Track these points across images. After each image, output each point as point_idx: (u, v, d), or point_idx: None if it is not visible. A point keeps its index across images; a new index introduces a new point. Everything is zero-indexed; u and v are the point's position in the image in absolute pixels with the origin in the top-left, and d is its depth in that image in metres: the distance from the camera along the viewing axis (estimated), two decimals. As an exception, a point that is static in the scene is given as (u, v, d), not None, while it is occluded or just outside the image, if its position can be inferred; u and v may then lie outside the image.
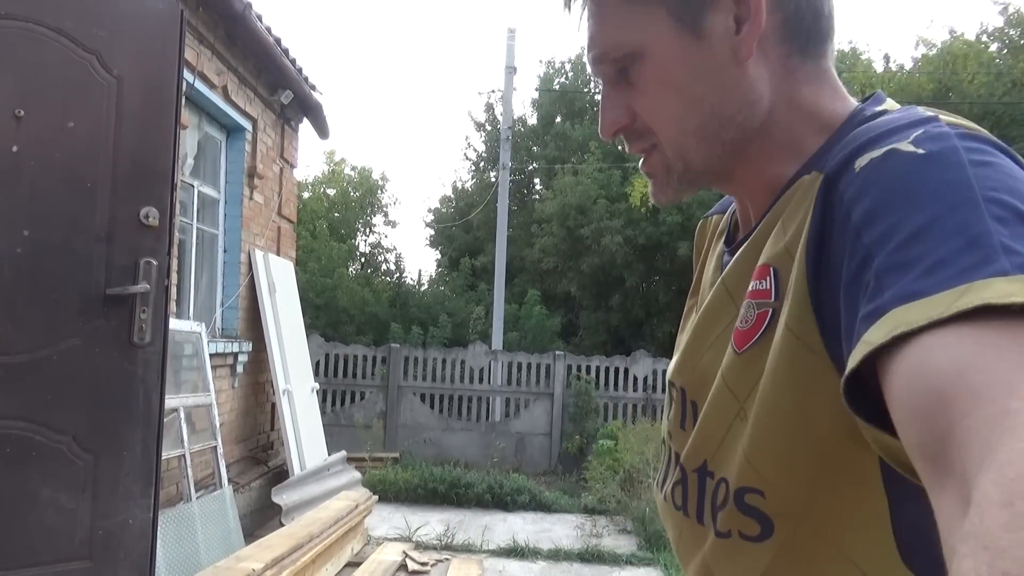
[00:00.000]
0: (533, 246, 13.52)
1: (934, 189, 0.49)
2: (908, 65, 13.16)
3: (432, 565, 4.71)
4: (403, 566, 4.62)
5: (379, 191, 18.07)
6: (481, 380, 9.58)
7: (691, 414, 0.73)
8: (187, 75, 4.12)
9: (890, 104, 0.66)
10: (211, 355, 4.81)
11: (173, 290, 4.21)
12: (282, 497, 5.25)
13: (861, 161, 0.55)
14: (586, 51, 0.70)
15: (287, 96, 6.07)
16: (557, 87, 16.55)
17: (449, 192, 18.53)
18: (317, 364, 8.85)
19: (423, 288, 15.25)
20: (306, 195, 16.27)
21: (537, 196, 16.03)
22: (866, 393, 0.47)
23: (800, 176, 0.63)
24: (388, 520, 6.00)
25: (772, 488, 0.61)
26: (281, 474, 5.85)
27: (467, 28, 46.72)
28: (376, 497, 5.40)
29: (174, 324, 4.06)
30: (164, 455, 3.11)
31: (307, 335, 7.06)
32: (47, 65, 2.54)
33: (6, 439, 2.47)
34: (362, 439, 8.50)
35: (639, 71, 0.68)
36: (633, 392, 9.39)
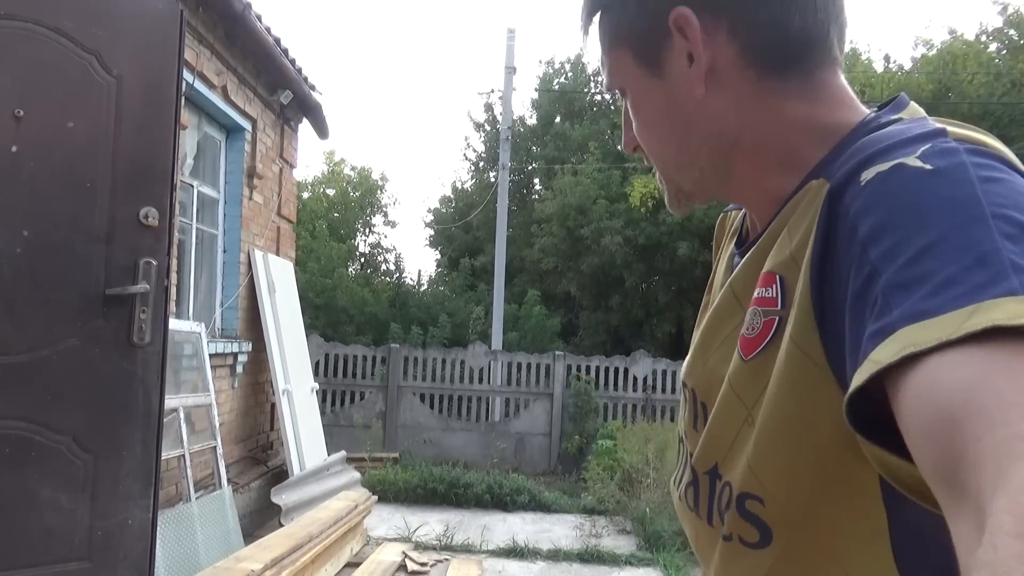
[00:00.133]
0: (533, 246, 13.52)
1: (942, 206, 0.49)
2: (908, 65, 13.16)
3: (431, 565, 4.71)
4: (402, 566, 4.62)
5: (379, 191, 18.08)
6: (481, 380, 9.58)
7: (702, 415, 0.73)
8: (187, 75, 4.12)
9: (912, 110, 0.65)
10: (211, 355, 4.81)
11: (173, 290, 4.21)
12: (281, 497, 5.25)
13: (867, 174, 0.54)
14: None
15: (287, 96, 6.07)
16: (556, 87, 16.55)
17: (449, 192, 18.54)
18: (317, 364, 8.84)
19: (423, 288, 15.25)
20: (306, 195, 16.27)
21: (537, 196, 16.04)
22: (869, 410, 0.46)
23: (807, 182, 0.63)
24: (387, 520, 6.00)
25: (771, 496, 0.61)
26: (280, 474, 5.85)
27: (467, 28, 46.74)
28: (375, 497, 5.39)
29: (174, 324, 4.06)
30: (164, 455, 3.11)
31: (307, 335, 7.06)
32: (46, 65, 2.54)
33: (6, 439, 2.46)
34: (362, 439, 8.50)
35: (628, 105, 0.75)
36: (633, 392, 9.39)
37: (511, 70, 12.75)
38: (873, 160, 0.55)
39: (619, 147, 14.06)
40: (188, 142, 5.03)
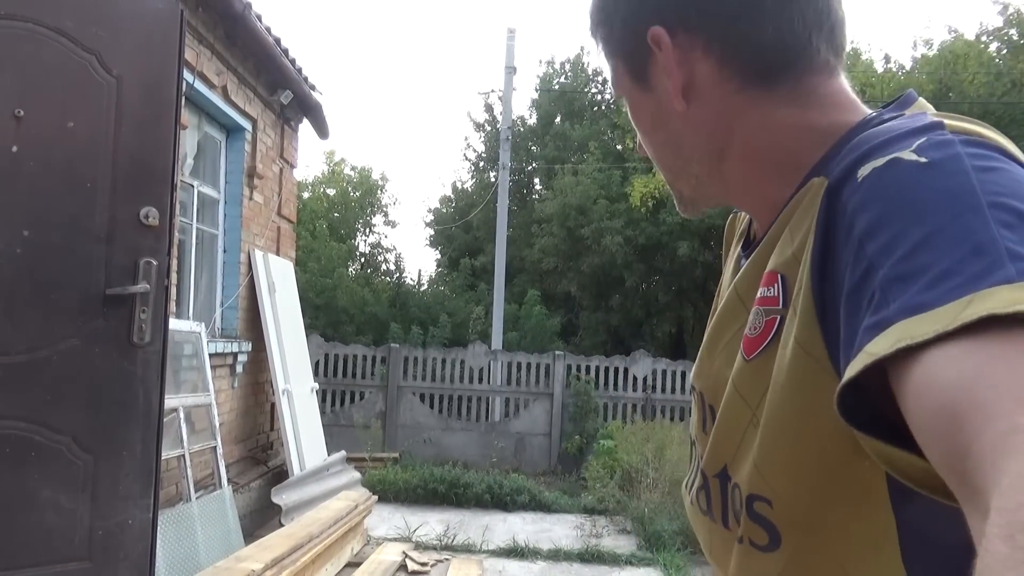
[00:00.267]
0: (533, 246, 13.52)
1: (937, 198, 0.49)
2: (908, 65, 13.17)
3: (432, 565, 4.71)
4: (403, 566, 4.62)
5: (379, 191, 18.09)
6: (481, 380, 9.58)
7: (710, 418, 0.73)
8: (187, 75, 4.12)
9: (919, 106, 0.65)
10: (211, 355, 4.81)
11: (173, 290, 4.21)
12: (282, 497, 5.25)
13: (864, 170, 0.54)
14: None
15: (287, 96, 6.07)
16: (556, 87, 16.55)
17: (449, 192, 18.55)
18: (317, 364, 8.84)
19: (423, 288, 15.26)
20: (306, 195, 16.28)
21: (537, 196, 16.04)
22: (869, 405, 0.46)
23: (808, 181, 0.63)
24: (388, 520, 6.00)
25: (778, 497, 0.60)
26: (281, 474, 5.85)
27: (467, 28, 46.74)
28: (376, 497, 5.39)
29: (174, 324, 4.06)
30: (164, 455, 3.11)
31: (307, 335, 7.06)
32: (47, 65, 2.54)
33: (6, 439, 2.46)
34: (362, 439, 8.50)
35: (628, 113, 0.78)
36: (633, 392, 9.38)
37: (511, 70, 12.75)
38: (869, 156, 0.55)
39: (619, 147, 14.08)
40: (188, 142, 5.03)
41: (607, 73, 0.80)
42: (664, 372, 9.42)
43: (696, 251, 11.40)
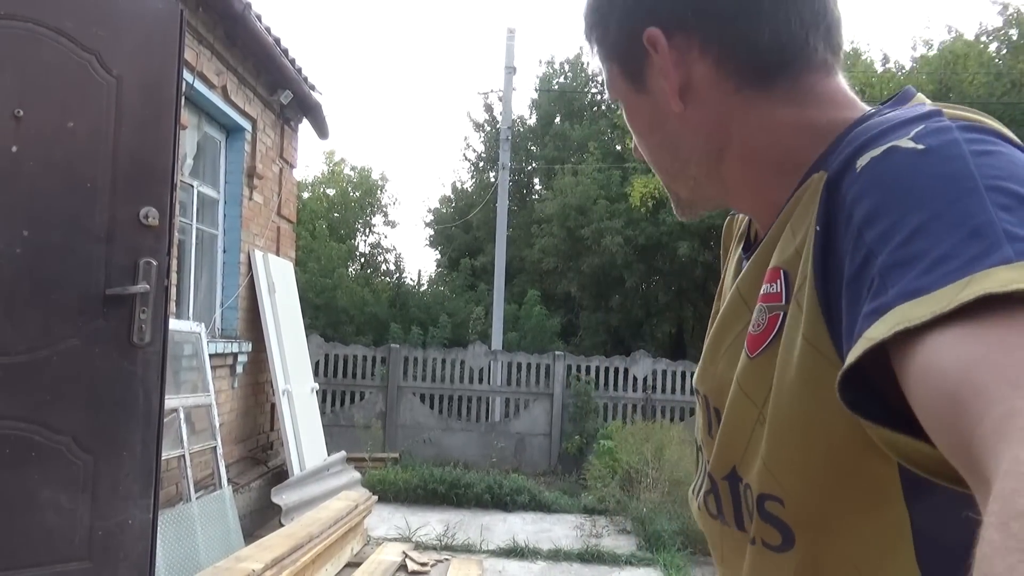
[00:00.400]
0: (533, 246, 13.52)
1: (935, 184, 0.49)
2: (908, 65, 13.17)
3: (432, 565, 4.71)
4: (403, 566, 4.62)
5: (379, 191, 18.09)
6: (481, 380, 9.58)
7: (715, 421, 0.72)
8: (186, 75, 4.12)
9: (919, 100, 0.64)
10: (211, 355, 4.81)
11: (173, 290, 4.21)
12: (282, 497, 5.25)
13: (862, 160, 0.54)
14: None
15: (286, 96, 6.07)
16: (556, 87, 16.55)
17: (449, 192, 18.55)
18: (317, 364, 8.84)
19: (423, 288, 15.25)
20: (306, 195, 16.27)
21: (536, 196, 16.04)
22: (872, 393, 0.46)
23: (809, 176, 0.63)
24: (388, 520, 6.00)
25: (789, 495, 0.60)
26: (281, 474, 5.85)
27: (467, 28, 46.75)
28: (376, 497, 5.39)
29: (174, 324, 4.06)
30: (164, 455, 3.11)
31: (307, 335, 7.06)
32: (47, 65, 2.54)
33: (6, 439, 2.46)
34: (362, 439, 8.50)
35: (624, 115, 0.78)
36: (633, 392, 9.38)
37: (511, 70, 12.75)
38: (867, 146, 0.55)
39: (619, 147, 14.08)
40: (188, 142, 5.03)
41: (602, 75, 0.79)
42: (664, 372, 9.42)
43: (696, 251, 11.40)
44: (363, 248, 17.52)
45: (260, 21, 5.07)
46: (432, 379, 9.49)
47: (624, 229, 12.03)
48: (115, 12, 2.67)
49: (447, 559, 4.92)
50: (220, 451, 4.65)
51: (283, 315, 6.01)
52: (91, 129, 2.61)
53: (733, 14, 0.66)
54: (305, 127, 7.00)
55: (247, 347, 5.66)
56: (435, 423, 9.31)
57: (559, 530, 6.03)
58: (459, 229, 16.37)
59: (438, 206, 18.10)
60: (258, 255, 5.87)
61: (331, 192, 17.92)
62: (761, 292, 0.65)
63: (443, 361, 9.54)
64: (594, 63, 0.79)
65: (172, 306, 3.94)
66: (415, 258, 49.89)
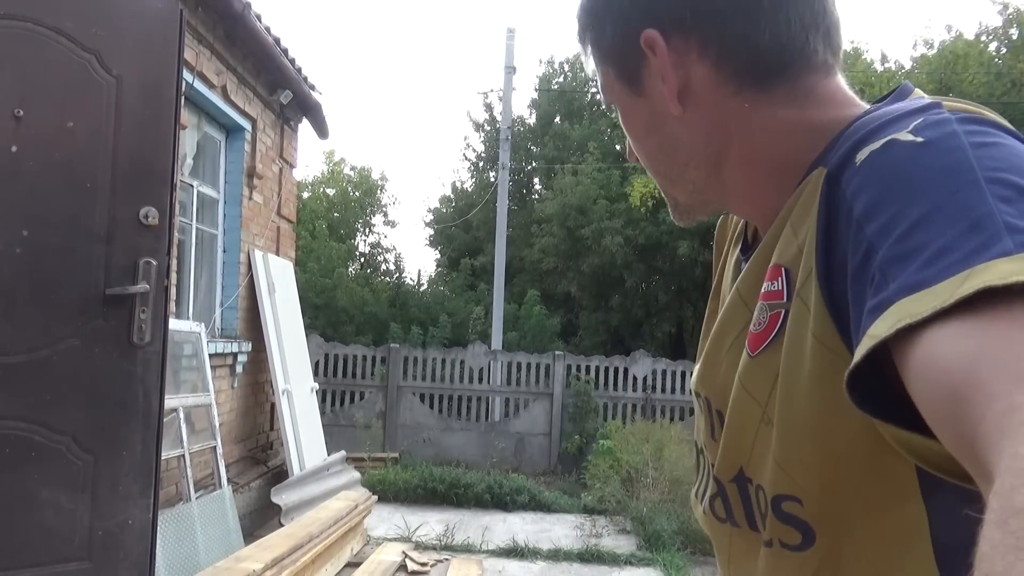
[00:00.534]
0: (533, 246, 13.52)
1: (934, 176, 0.48)
2: (908, 65, 13.17)
3: (432, 565, 4.71)
4: (403, 566, 4.62)
5: (378, 191, 18.08)
6: (480, 380, 9.58)
7: (719, 424, 0.71)
8: (186, 75, 4.12)
9: (917, 95, 0.64)
10: (210, 355, 4.81)
11: (172, 290, 4.20)
12: (281, 497, 5.25)
13: (861, 154, 0.54)
14: None
15: (286, 96, 6.06)
16: (556, 87, 16.54)
17: (448, 192, 18.53)
18: (316, 364, 8.84)
19: (423, 288, 15.25)
20: (305, 195, 16.27)
21: (536, 196, 16.04)
22: (883, 390, 0.45)
23: (808, 173, 0.62)
24: (387, 520, 6.00)
25: (808, 494, 0.59)
26: (280, 474, 5.85)
27: (467, 28, 46.74)
28: (375, 497, 5.39)
29: (173, 324, 4.06)
30: (163, 455, 3.11)
31: (307, 335, 7.06)
32: (46, 65, 2.54)
33: (5, 439, 2.46)
34: (361, 439, 8.50)
35: (619, 119, 0.76)
36: (632, 392, 9.39)
37: (511, 70, 12.75)
38: (867, 140, 0.55)
39: (618, 147, 14.08)
40: (188, 142, 5.03)
41: (596, 79, 0.77)
42: (664, 372, 9.42)
43: (696, 251, 11.39)
44: (363, 248, 17.53)
45: (260, 21, 5.07)
46: (432, 379, 9.49)
47: (624, 229, 12.03)
48: (115, 12, 2.67)
49: (447, 559, 4.92)
50: (220, 451, 4.65)
51: (283, 315, 6.01)
52: (91, 129, 2.61)
53: (732, 15, 0.65)
54: (305, 127, 7.00)
55: (247, 347, 5.66)
56: (435, 423, 9.31)
57: (559, 530, 6.03)
58: (459, 229, 16.36)
59: (438, 206, 18.10)
60: (258, 255, 5.87)
61: (331, 192, 17.91)
62: (762, 290, 0.64)
63: (443, 361, 9.54)
64: (587, 66, 0.78)
65: (172, 306, 3.94)
66: (415, 258, 49.94)
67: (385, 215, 18.21)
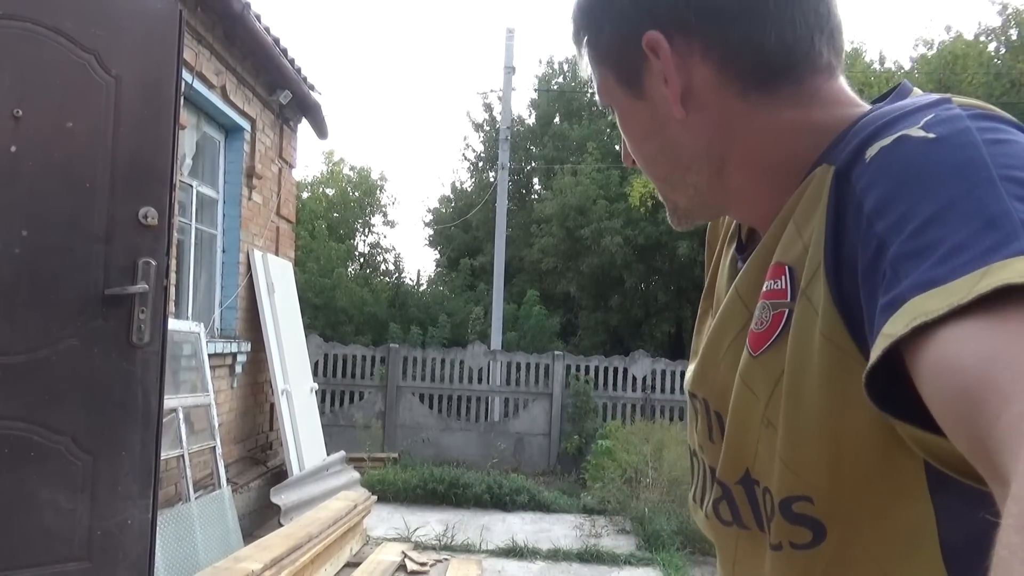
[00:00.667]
0: (532, 246, 13.52)
1: (947, 172, 0.48)
2: (907, 65, 13.18)
3: (431, 565, 4.71)
4: (402, 566, 4.62)
5: (378, 191, 18.06)
6: (480, 380, 9.58)
7: (717, 425, 0.71)
8: (185, 75, 4.12)
9: (916, 94, 0.63)
10: (210, 355, 4.81)
11: (172, 290, 4.20)
12: (281, 497, 5.25)
13: (871, 150, 0.53)
14: None
15: (286, 96, 6.06)
16: (555, 87, 16.54)
17: (448, 192, 18.53)
18: (316, 364, 8.84)
19: (422, 288, 15.25)
20: (305, 195, 16.26)
21: (536, 196, 16.04)
22: (898, 387, 0.45)
23: (812, 170, 0.61)
24: (387, 520, 5.99)
25: (819, 493, 0.58)
26: (280, 474, 5.85)
27: (466, 28, 46.74)
28: (375, 497, 5.39)
29: (173, 324, 4.06)
30: (163, 455, 3.11)
31: (306, 335, 7.05)
32: (45, 65, 2.54)
33: (5, 440, 2.46)
34: (361, 439, 8.50)
35: (618, 122, 0.74)
36: (632, 392, 9.39)
37: (510, 70, 12.75)
38: (876, 136, 0.54)
39: (617, 147, 14.08)
40: (187, 142, 5.03)
41: (592, 81, 0.76)
42: (663, 372, 9.42)
43: (695, 251, 11.39)
44: (362, 248, 17.51)
45: (259, 21, 5.06)
46: (431, 379, 9.49)
47: (623, 229, 12.03)
48: (114, 12, 2.67)
49: (446, 559, 4.92)
50: (219, 451, 4.65)
51: (282, 315, 6.01)
52: (90, 129, 2.60)
53: (738, 16, 0.64)
54: (304, 127, 7.00)
55: (246, 347, 5.66)
56: (434, 423, 9.31)
57: (558, 530, 6.03)
58: (458, 229, 16.36)
59: (437, 206, 18.09)
60: (257, 255, 5.87)
61: (330, 192, 17.89)
62: (764, 289, 0.63)
63: (442, 361, 9.54)
64: (583, 67, 0.76)
65: (171, 306, 3.94)
66: (414, 258, 49.92)
67: (384, 215, 18.20)
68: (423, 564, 4.65)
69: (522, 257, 13.94)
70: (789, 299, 0.60)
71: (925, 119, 0.52)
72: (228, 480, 4.76)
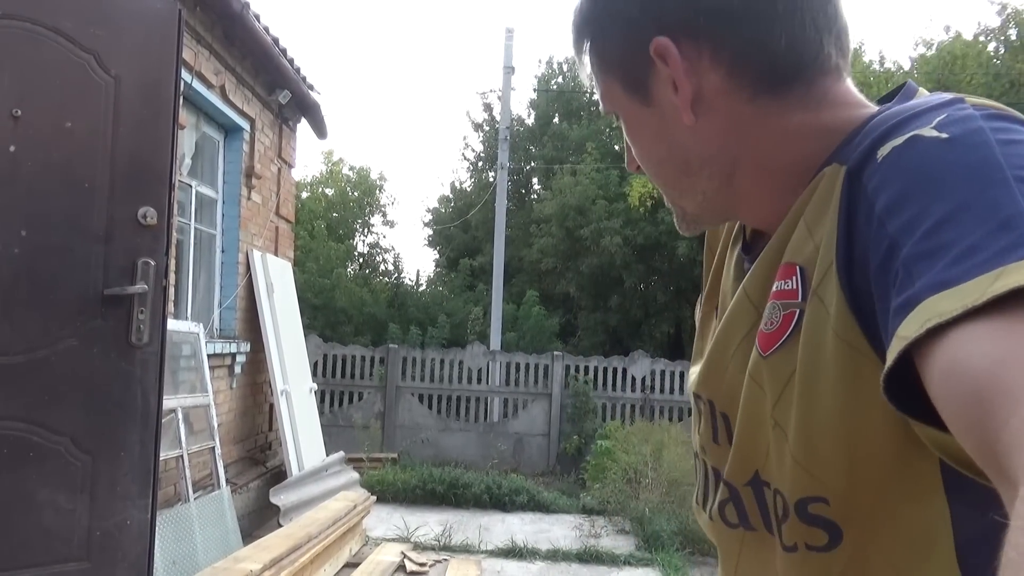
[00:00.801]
0: (531, 246, 13.52)
1: (960, 173, 0.47)
2: (907, 65, 13.19)
3: (430, 566, 4.71)
4: (401, 567, 4.62)
5: (377, 191, 18.07)
6: (479, 380, 9.58)
7: (724, 427, 0.70)
8: (185, 75, 4.12)
9: (922, 95, 0.63)
10: (209, 355, 4.81)
11: (171, 290, 4.20)
12: (280, 498, 5.24)
13: (883, 150, 0.53)
14: None
15: (285, 96, 6.06)
16: (555, 87, 16.55)
17: (447, 192, 18.53)
18: (315, 364, 8.84)
19: (421, 288, 15.25)
20: (304, 195, 16.26)
21: (535, 196, 16.04)
22: (913, 388, 0.44)
23: (820, 170, 0.61)
24: (386, 521, 5.99)
25: (835, 494, 0.58)
26: (279, 475, 5.85)
27: (466, 28, 46.75)
28: (374, 498, 5.39)
29: (172, 324, 4.05)
30: (162, 456, 3.11)
31: (305, 335, 7.05)
32: (45, 65, 2.54)
33: (4, 440, 2.46)
34: (360, 439, 8.50)
35: (623, 129, 0.74)
36: (631, 392, 9.39)
37: (509, 70, 12.76)
38: (889, 135, 0.54)
39: (617, 147, 14.08)
40: (186, 142, 5.03)
41: (594, 88, 0.75)
42: (663, 372, 9.43)
43: (695, 251, 11.39)
44: (362, 248, 17.52)
45: (259, 20, 5.06)
46: (431, 379, 9.49)
47: (623, 229, 12.03)
48: (113, 12, 2.67)
49: (445, 559, 4.92)
50: (218, 451, 4.65)
51: (281, 315, 6.01)
52: (89, 129, 2.60)
53: (748, 20, 0.63)
54: (304, 127, 7.00)
55: (245, 347, 5.66)
56: (433, 423, 9.31)
57: (558, 530, 6.03)
58: (458, 229, 16.36)
59: (437, 206, 18.09)
60: (256, 255, 5.87)
61: (330, 192, 17.88)
62: (774, 289, 0.63)
63: (441, 361, 9.54)
64: (583, 74, 0.75)
65: (170, 306, 3.93)
66: (414, 258, 49.94)
67: (384, 215, 18.21)
68: (422, 564, 4.65)
69: (521, 257, 13.94)
70: (800, 299, 0.60)
71: (938, 119, 0.52)
72: (227, 480, 4.76)
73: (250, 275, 5.80)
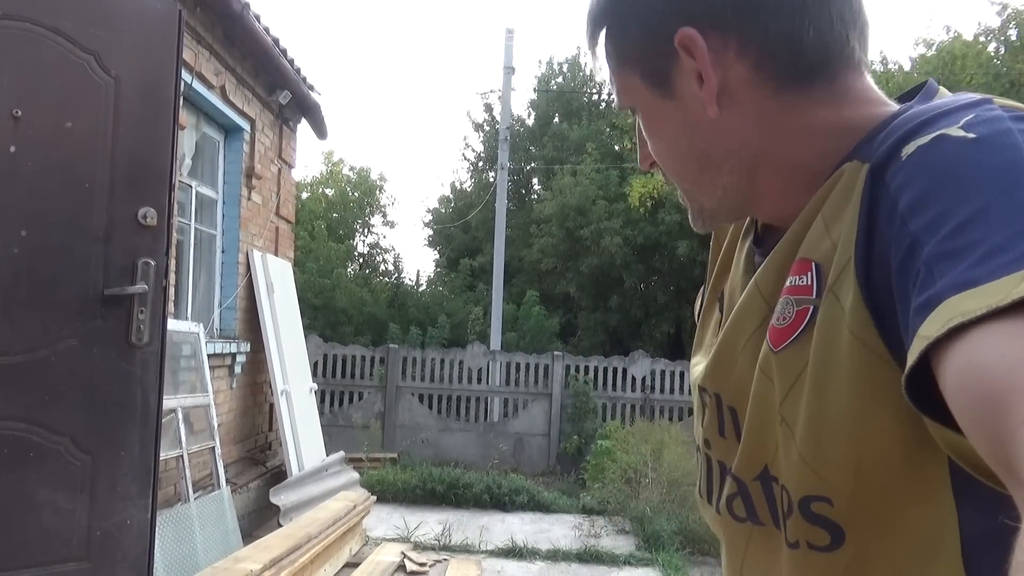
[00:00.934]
0: (532, 246, 13.53)
1: (986, 174, 0.47)
2: (907, 65, 13.18)
3: (430, 565, 4.71)
4: (401, 567, 4.62)
5: (377, 191, 18.07)
6: (479, 380, 9.59)
7: (730, 421, 0.69)
8: (185, 75, 4.12)
9: (943, 94, 0.62)
10: (209, 355, 4.81)
11: (171, 290, 4.20)
12: (280, 498, 5.25)
13: (908, 148, 0.52)
14: None
15: (285, 96, 6.06)
16: (555, 87, 16.55)
17: (448, 192, 18.54)
18: (315, 365, 8.84)
19: (421, 288, 15.26)
20: (304, 195, 16.26)
21: (535, 196, 16.04)
22: (931, 388, 0.44)
23: (840, 166, 0.60)
24: (386, 520, 5.99)
25: (839, 494, 0.57)
26: (279, 475, 5.85)
27: (466, 28, 46.74)
28: (374, 497, 5.39)
29: (172, 324, 4.05)
30: (162, 456, 3.11)
31: (305, 335, 7.05)
32: (45, 65, 2.54)
33: (4, 440, 2.46)
34: (360, 439, 8.50)
35: (641, 124, 0.72)
36: (631, 392, 9.39)
37: (510, 70, 12.76)
38: (914, 134, 0.53)
39: (617, 147, 14.09)
40: (186, 142, 5.03)
41: (609, 82, 0.73)
42: (663, 372, 9.43)
43: (695, 251, 11.39)
44: (362, 248, 17.52)
45: (259, 21, 5.06)
46: (431, 379, 9.49)
47: (623, 229, 12.03)
48: (114, 12, 2.67)
49: (445, 559, 4.92)
50: (218, 451, 4.65)
51: (282, 315, 6.01)
52: (89, 129, 2.60)
53: (776, 13, 0.62)
54: (304, 127, 7.00)
55: (245, 347, 5.66)
56: (433, 423, 9.31)
57: (558, 530, 6.03)
58: (458, 229, 16.37)
59: (437, 206, 18.10)
60: (256, 255, 5.87)
61: (330, 192, 17.88)
62: (787, 284, 0.62)
63: (442, 361, 9.54)
64: (597, 68, 0.74)
65: (170, 306, 3.93)
66: (414, 258, 49.92)
67: (384, 215, 18.21)
68: (422, 564, 4.65)
69: (521, 257, 13.94)
70: (815, 296, 0.59)
71: (965, 119, 0.52)
72: (227, 480, 4.76)
73: (250, 275, 5.81)
